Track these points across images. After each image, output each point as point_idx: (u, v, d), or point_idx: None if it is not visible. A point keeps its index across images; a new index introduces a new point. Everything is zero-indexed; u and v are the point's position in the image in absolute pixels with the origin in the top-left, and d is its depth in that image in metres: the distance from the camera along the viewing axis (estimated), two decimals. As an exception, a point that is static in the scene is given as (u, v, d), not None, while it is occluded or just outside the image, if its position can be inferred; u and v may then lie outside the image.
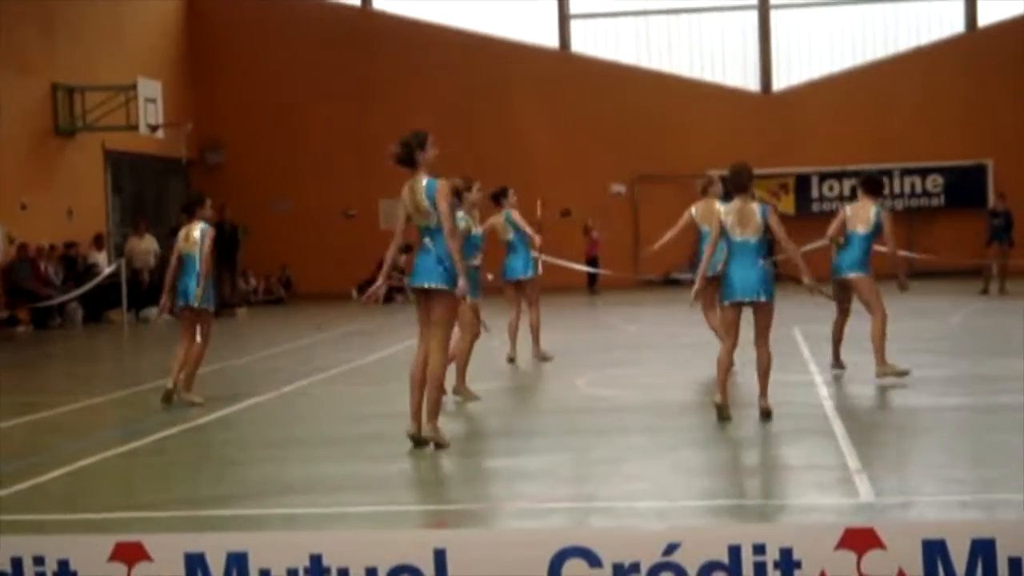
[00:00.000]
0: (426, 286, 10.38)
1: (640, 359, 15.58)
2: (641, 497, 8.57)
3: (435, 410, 10.23)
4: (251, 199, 33.32)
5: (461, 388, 13.11)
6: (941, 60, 33.33)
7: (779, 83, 34.37)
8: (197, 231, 13.66)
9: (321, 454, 10.61)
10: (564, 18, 34.74)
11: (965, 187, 32.43)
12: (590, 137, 33.13)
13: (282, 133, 34.32)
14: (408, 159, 11.01)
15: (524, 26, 34.56)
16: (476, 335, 13.00)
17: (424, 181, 10.86)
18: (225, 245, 30.59)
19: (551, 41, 34.78)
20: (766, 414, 11.18)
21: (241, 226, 30.99)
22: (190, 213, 13.97)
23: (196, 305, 13.48)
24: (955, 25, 33.75)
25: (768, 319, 11.32)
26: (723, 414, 11.17)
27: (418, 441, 10.22)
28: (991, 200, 30.27)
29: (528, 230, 15.65)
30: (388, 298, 30.63)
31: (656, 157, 32.05)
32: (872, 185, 14.01)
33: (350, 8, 35.09)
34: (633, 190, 32.43)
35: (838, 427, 10.68)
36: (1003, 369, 14.39)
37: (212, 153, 34.18)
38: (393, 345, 19.22)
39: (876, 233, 13.62)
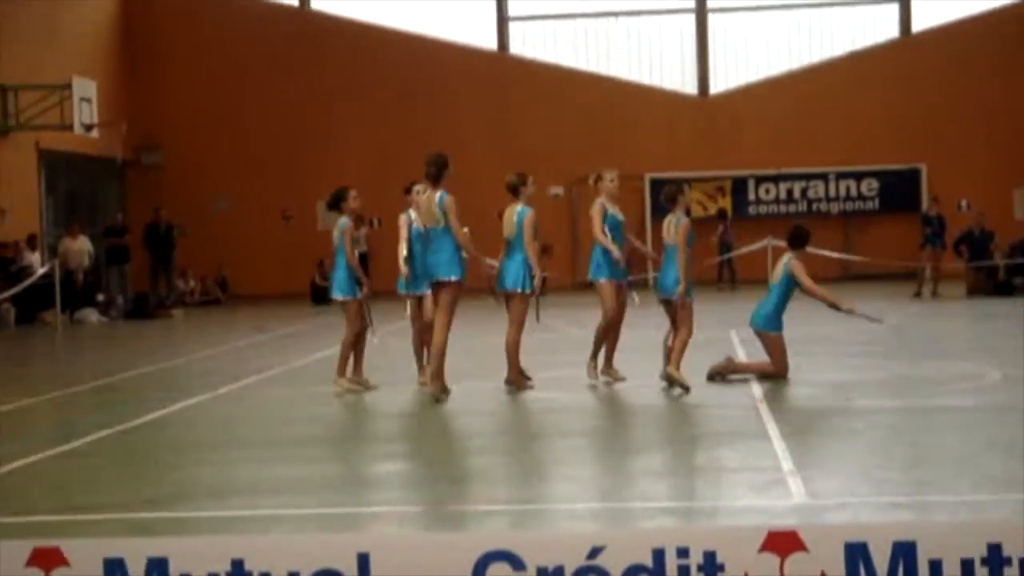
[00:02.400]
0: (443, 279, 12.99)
1: (580, 361, 15.57)
2: (576, 499, 8.58)
3: (435, 372, 12.98)
4: (188, 200, 33.10)
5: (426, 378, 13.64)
6: (875, 65, 33.63)
7: (716, 86, 34.54)
8: (336, 228, 14.33)
9: (257, 456, 10.54)
10: (503, 20, 34.75)
11: (899, 191, 32.73)
12: (528, 139, 33.16)
13: (219, 133, 34.11)
14: (436, 177, 13.19)
15: (463, 28, 34.54)
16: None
17: (438, 195, 13.09)
18: (160, 245, 30.45)
19: (489, 43, 34.79)
20: (668, 380, 13.08)
21: (176, 226, 30.79)
22: (336, 208, 14.38)
23: (336, 296, 14.21)
24: (889, 30, 34.06)
25: (674, 313, 13.33)
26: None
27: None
28: (925, 204, 30.57)
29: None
30: (325, 299, 30.50)
31: (594, 160, 31.93)
32: (796, 236, 14.32)
33: (288, 8, 34.93)
34: (571, 193, 32.49)
35: (773, 429, 10.74)
36: (937, 371, 14.55)
37: (148, 153, 33.90)
38: (331, 347, 19.09)
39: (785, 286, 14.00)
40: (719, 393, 13.14)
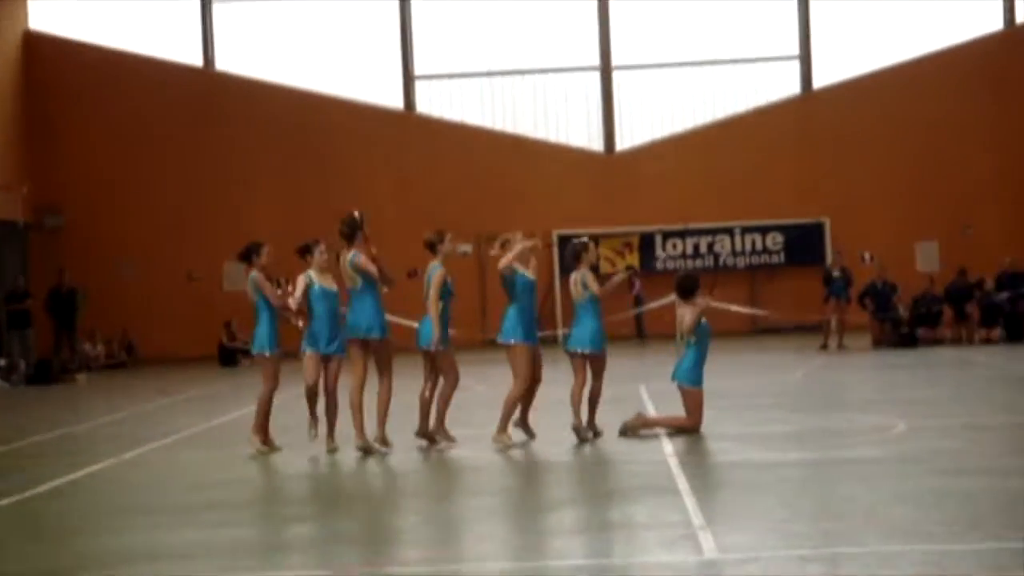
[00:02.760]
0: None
1: (490, 419, 15.51)
2: (490, 558, 8.51)
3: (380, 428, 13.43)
4: (92, 262, 32.67)
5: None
6: (779, 121, 34.08)
7: (622, 143, 34.80)
8: (248, 283, 14.17)
9: (163, 522, 10.36)
10: (408, 79, 34.81)
11: (804, 245, 33.09)
12: (436, 197, 33.17)
13: (123, 195, 33.75)
14: (348, 237, 13.36)
15: (368, 87, 34.55)
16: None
17: (350, 254, 13.28)
18: (63, 309, 29.99)
19: (395, 102, 34.82)
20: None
21: (79, 290, 30.36)
22: (247, 261, 14.29)
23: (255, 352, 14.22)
24: (791, 87, 34.55)
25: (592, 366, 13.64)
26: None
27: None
28: (829, 258, 30.87)
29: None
30: (232, 361, 30.23)
31: (502, 217, 32.06)
32: (683, 286, 14.41)
33: (191, 69, 34.73)
34: (480, 250, 32.51)
35: (682, 483, 10.75)
36: (844, 423, 14.67)
37: (50, 217, 33.44)
38: (237, 410, 18.90)
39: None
40: (630, 449, 13.14)
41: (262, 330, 14.01)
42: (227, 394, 22.19)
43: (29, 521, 10.91)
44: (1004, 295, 27.10)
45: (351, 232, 13.32)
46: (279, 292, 14.10)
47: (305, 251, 14.04)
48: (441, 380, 13.74)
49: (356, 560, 8.62)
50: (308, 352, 13.86)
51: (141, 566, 8.63)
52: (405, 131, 34.42)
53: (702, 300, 14.33)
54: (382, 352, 13.32)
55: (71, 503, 11.68)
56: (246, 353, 30.47)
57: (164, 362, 31.21)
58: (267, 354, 13.98)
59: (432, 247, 13.82)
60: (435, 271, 13.64)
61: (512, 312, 13.67)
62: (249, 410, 18.55)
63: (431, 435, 13.72)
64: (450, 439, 13.71)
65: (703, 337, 14.15)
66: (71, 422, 18.56)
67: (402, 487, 12.08)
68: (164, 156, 33.95)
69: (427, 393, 13.75)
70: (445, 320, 13.60)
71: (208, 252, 33.40)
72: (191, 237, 33.59)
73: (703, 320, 14.20)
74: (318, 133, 33.93)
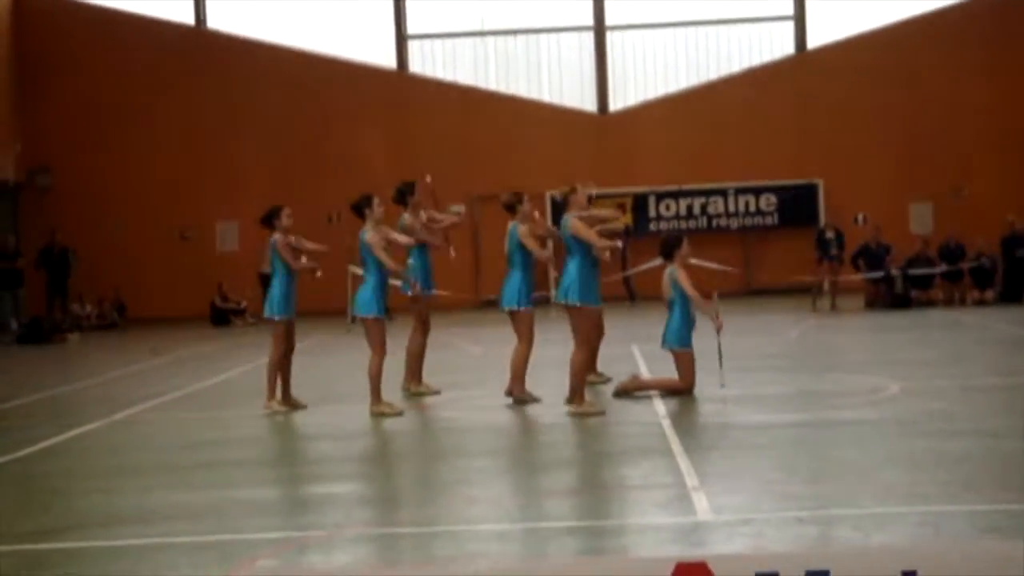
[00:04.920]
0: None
1: (483, 380, 15.50)
2: (482, 520, 8.47)
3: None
4: (84, 222, 32.54)
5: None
6: (772, 81, 33.93)
7: (616, 103, 34.65)
8: (269, 246, 14.33)
9: (152, 483, 10.31)
10: (401, 38, 34.61)
11: (797, 206, 32.99)
12: (428, 157, 32.96)
13: (115, 154, 33.57)
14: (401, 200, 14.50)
15: (361, 46, 34.36)
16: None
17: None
18: (55, 269, 29.89)
19: (388, 61, 34.63)
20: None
21: (71, 249, 30.25)
22: (269, 225, 14.23)
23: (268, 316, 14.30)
24: (785, 47, 34.40)
25: (572, 322, 12.91)
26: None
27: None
28: (822, 218, 30.87)
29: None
30: (225, 321, 30.17)
31: (495, 177, 32.00)
32: (662, 248, 14.32)
33: (183, 27, 34.50)
34: (472, 210, 32.41)
35: (676, 445, 10.72)
36: (837, 384, 14.64)
37: (41, 175, 33.26)
38: (229, 370, 18.87)
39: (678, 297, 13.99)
40: (624, 410, 13.10)
41: (274, 293, 14.02)
42: (219, 354, 22.12)
43: (19, 482, 10.86)
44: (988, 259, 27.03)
45: (400, 197, 14.61)
46: (302, 251, 14.13)
47: (362, 206, 13.69)
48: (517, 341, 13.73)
49: (347, 521, 8.57)
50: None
51: (125, 527, 8.58)
52: (398, 90, 34.25)
53: (686, 256, 14.23)
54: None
55: (62, 464, 11.62)
56: (238, 313, 30.51)
57: (156, 322, 31.13)
58: (276, 318, 13.99)
59: (512, 208, 13.82)
60: (516, 230, 13.66)
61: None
62: (241, 370, 18.60)
63: (517, 396, 13.70)
64: (533, 399, 13.67)
65: (686, 297, 14.03)
66: (62, 382, 18.50)
67: (395, 449, 12.04)
68: (156, 115, 33.75)
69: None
70: (529, 281, 13.67)
71: (201, 212, 33.31)
72: (184, 197, 33.44)
73: (678, 280, 14.06)
74: (311, 92, 33.75)
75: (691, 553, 7.21)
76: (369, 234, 13.40)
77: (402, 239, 14.05)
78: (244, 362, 19.74)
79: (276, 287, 14.05)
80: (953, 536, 7.36)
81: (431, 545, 7.83)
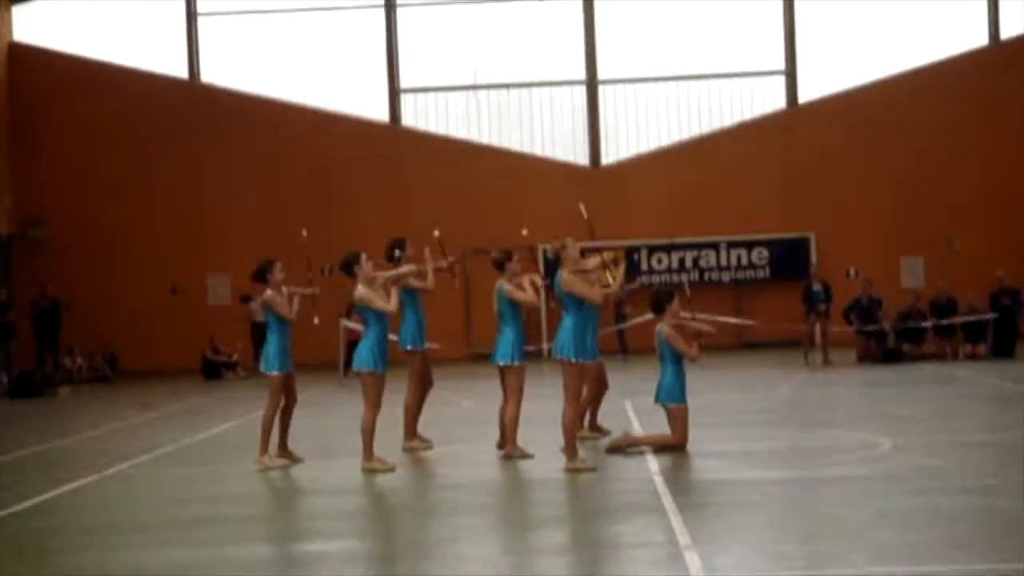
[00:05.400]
0: None
1: (474, 435, 15.48)
2: (473, 579, 8.45)
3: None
4: (75, 275, 32.59)
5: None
6: (764, 135, 34.11)
7: (608, 157, 34.81)
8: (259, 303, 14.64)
9: (145, 540, 10.28)
10: (394, 92, 34.79)
11: (789, 259, 33.10)
12: (421, 211, 33.06)
13: (107, 208, 33.65)
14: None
15: (354, 100, 34.52)
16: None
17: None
18: (47, 322, 29.87)
19: (381, 115, 34.79)
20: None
21: (63, 303, 30.24)
22: (262, 280, 14.24)
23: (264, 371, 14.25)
24: (777, 101, 34.60)
25: (565, 378, 12.82)
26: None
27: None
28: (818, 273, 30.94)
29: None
30: (216, 374, 30.13)
31: (488, 230, 32.08)
32: (654, 303, 14.36)
33: (177, 81, 34.65)
34: (465, 263, 32.46)
35: (668, 502, 10.70)
36: (829, 440, 14.63)
37: (34, 228, 33.32)
38: (221, 424, 18.84)
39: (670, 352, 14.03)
40: (616, 466, 13.09)
41: (270, 349, 14.02)
42: (211, 408, 22.08)
43: (10, 539, 10.80)
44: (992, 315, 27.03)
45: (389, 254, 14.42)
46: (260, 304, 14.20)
47: (351, 264, 13.71)
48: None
49: (340, 580, 8.55)
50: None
51: (122, 586, 8.56)
52: (391, 144, 34.38)
53: (677, 311, 14.27)
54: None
55: (53, 520, 11.58)
56: (230, 366, 30.48)
57: (147, 376, 31.10)
58: (273, 373, 14.00)
59: (500, 266, 13.90)
60: (503, 287, 13.74)
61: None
62: (233, 424, 18.57)
63: (508, 453, 13.73)
64: (525, 455, 13.69)
65: (674, 353, 14.06)
66: (53, 437, 18.44)
67: (386, 505, 12.01)
68: (149, 168, 33.87)
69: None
70: (522, 336, 13.72)
71: (192, 265, 33.37)
72: (175, 249, 33.51)
73: (667, 338, 14.09)
74: (303, 146, 33.88)
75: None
76: (361, 290, 13.42)
77: (399, 271, 14.07)
78: (236, 416, 19.71)
79: (272, 342, 14.06)
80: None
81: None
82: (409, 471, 13.49)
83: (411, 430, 14.84)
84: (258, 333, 30.68)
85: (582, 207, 15.89)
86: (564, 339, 12.85)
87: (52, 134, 33.75)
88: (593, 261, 14.64)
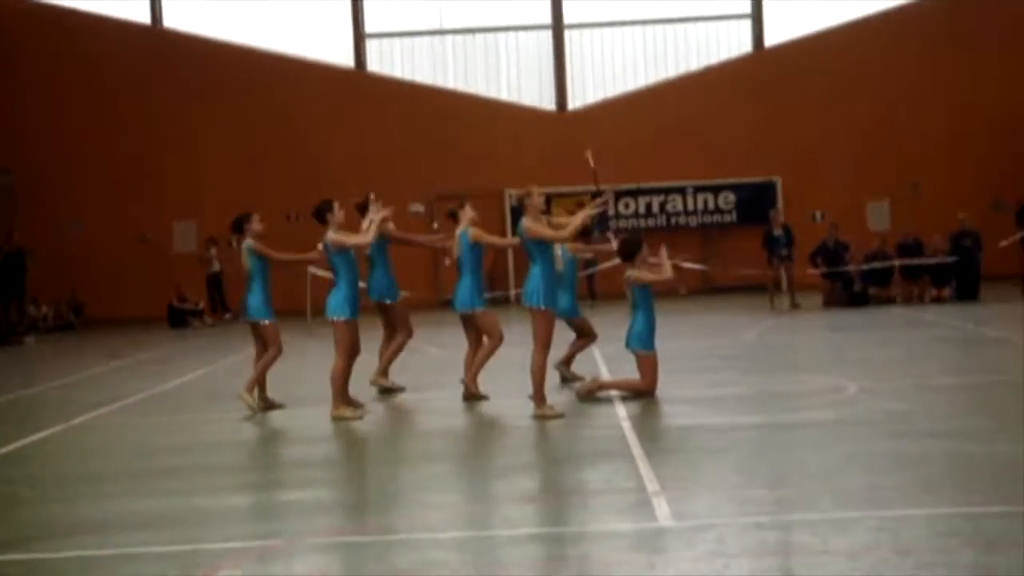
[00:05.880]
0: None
1: (442, 383, 15.48)
2: (442, 528, 8.45)
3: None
4: (41, 223, 32.36)
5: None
6: (730, 79, 34.08)
7: (574, 102, 34.72)
8: (243, 253, 14.20)
9: (113, 490, 10.25)
10: (359, 37, 34.57)
11: (756, 204, 33.13)
12: (387, 156, 32.99)
13: (72, 155, 33.39)
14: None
15: (319, 45, 34.29)
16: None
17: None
18: (12, 270, 29.64)
19: (346, 60, 34.57)
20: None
21: (28, 251, 30.01)
22: (239, 231, 14.25)
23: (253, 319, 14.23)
24: (743, 45, 34.55)
25: (534, 325, 12.71)
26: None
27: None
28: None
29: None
30: (182, 323, 30.02)
31: (454, 176, 32.01)
32: (623, 250, 14.35)
33: (139, 26, 34.33)
34: (432, 209, 32.38)
35: (637, 448, 10.72)
36: (796, 385, 14.70)
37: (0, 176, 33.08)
38: (188, 373, 18.79)
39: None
40: (585, 412, 13.11)
41: (256, 298, 13.95)
42: (178, 357, 22.03)
43: (-24, 490, 10.76)
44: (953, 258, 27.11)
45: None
46: (215, 252, 14.16)
47: (323, 211, 13.54)
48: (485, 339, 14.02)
49: (306, 529, 8.54)
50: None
51: (88, 537, 8.52)
52: (356, 89, 34.20)
53: (649, 260, 14.28)
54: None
55: (19, 471, 11.54)
56: (196, 314, 30.37)
57: (113, 324, 30.97)
58: (266, 322, 14.02)
59: (454, 215, 14.43)
60: (466, 235, 14.08)
61: (537, 273, 13.28)
62: (200, 372, 18.53)
63: (467, 384, 13.97)
64: (480, 396, 13.94)
65: (647, 299, 14.08)
66: (19, 386, 18.36)
67: (355, 454, 12.02)
68: (114, 115, 33.60)
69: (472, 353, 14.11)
70: (480, 282, 14.09)
71: (158, 213, 33.22)
72: (141, 197, 33.31)
73: (639, 280, 14.09)
74: (268, 92, 33.66)
75: (652, 560, 7.25)
76: (331, 234, 13.35)
77: (363, 237, 13.92)
78: (203, 365, 19.67)
79: (256, 292, 14.00)
80: (911, 541, 7.40)
81: (391, 553, 7.81)
82: (378, 419, 13.48)
83: (382, 370, 14.96)
84: (214, 282, 30.62)
85: (588, 155, 15.90)
86: (533, 286, 12.81)
87: (15, 81, 33.41)
88: (562, 219, 14.64)
